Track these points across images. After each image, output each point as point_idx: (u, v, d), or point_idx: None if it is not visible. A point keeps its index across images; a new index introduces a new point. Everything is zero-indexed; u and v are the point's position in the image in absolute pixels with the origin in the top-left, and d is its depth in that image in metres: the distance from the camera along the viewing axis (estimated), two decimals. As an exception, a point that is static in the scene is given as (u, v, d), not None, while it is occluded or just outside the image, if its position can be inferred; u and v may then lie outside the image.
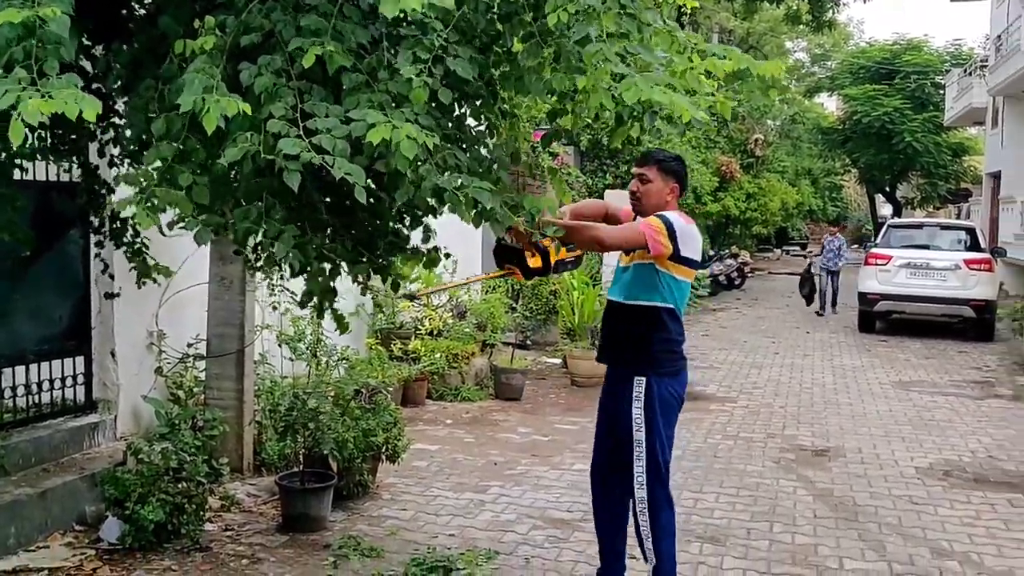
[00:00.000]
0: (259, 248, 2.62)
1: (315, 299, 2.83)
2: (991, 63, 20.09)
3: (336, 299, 2.87)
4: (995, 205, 20.79)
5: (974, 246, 13.34)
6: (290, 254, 2.44)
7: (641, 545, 3.73)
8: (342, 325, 3.07)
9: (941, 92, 27.97)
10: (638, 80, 2.39)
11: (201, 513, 4.40)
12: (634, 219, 3.76)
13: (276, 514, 4.82)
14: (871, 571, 4.39)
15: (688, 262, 3.67)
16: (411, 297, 6.54)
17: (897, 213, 32.96)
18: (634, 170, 3.80)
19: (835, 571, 4.39)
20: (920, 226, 15.18)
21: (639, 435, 3.65)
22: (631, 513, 3.76)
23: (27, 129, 2.03)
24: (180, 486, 4.29)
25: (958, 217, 28.15)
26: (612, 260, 5.98)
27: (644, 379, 3.67)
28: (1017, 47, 16.52)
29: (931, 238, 13.89)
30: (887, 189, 34.12)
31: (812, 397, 8.68)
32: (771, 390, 8.99)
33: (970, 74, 23.22)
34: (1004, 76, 17.60)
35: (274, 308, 5.86)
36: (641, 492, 3.66)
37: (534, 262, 3.47)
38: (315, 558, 4.31)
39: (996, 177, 21.09)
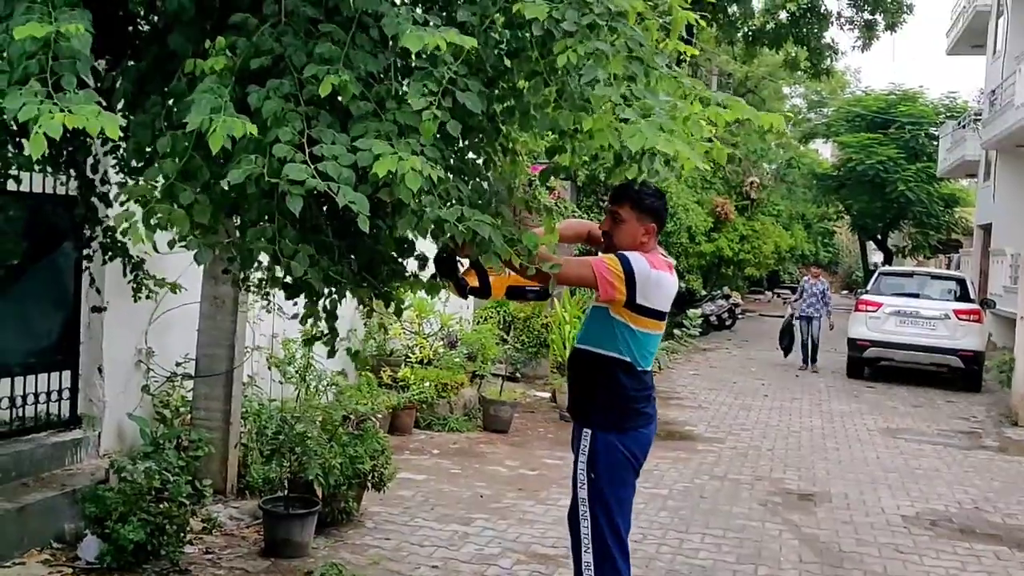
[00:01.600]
0: (268, 269, 2.60)
1: (325, 332, 2.80)
2: (985, 117, 20.34)
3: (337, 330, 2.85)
4: (985, 257, 20.95)
5: (964, 296, 13.38)
6: (308, 272, 2.43)
7: None
8: (360, 360, 3.04)
9: (935, 143, 28.27)
10: (643, 127, 2.36)
11: (182, 535, 4.33)
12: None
13: (258, 538, 4.76)
14: (856, 620, 4.36)
15: (647, 312, 3.25)
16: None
17: (888, 261, 33.16)
18: (607, 206, 3.41)
19: (820, 618, 4.36)
20: (911, 275, 15.19)
21: (582, 492, 3.36)
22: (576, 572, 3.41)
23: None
24: (162, 506, 4.23)
25: (948, 267, 28.34)
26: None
27: (590, 433, 3.35)
28: (1011, 102, 16.73)
29: (921, 287, 13.90)
30: (879, 237, 34.35)
31: (800, 440, 8.66)
32: (759, 432, 8.97)
33: (964, 127, 23.48)
34: (997, 130, 17.82)
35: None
36: (587, 556, 3.34)
37: (471, 280, 3.18)
38: (295, 585, 4.26)
39: (987, 229, 21.28)
